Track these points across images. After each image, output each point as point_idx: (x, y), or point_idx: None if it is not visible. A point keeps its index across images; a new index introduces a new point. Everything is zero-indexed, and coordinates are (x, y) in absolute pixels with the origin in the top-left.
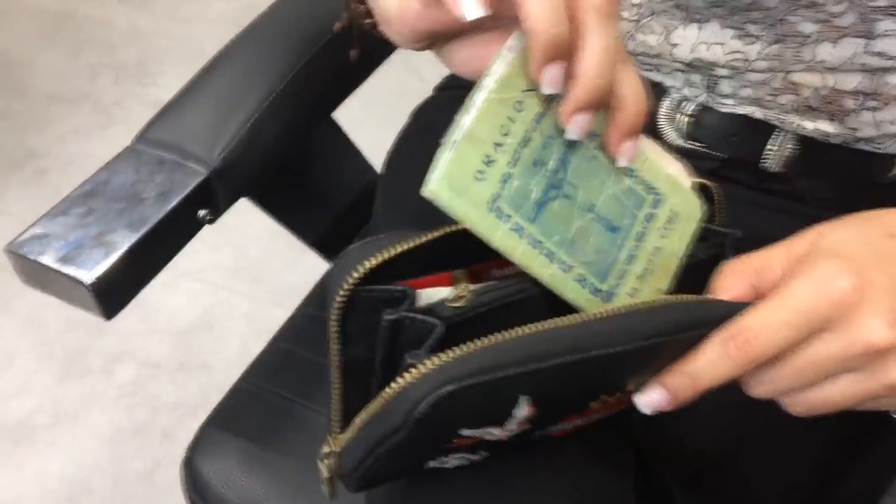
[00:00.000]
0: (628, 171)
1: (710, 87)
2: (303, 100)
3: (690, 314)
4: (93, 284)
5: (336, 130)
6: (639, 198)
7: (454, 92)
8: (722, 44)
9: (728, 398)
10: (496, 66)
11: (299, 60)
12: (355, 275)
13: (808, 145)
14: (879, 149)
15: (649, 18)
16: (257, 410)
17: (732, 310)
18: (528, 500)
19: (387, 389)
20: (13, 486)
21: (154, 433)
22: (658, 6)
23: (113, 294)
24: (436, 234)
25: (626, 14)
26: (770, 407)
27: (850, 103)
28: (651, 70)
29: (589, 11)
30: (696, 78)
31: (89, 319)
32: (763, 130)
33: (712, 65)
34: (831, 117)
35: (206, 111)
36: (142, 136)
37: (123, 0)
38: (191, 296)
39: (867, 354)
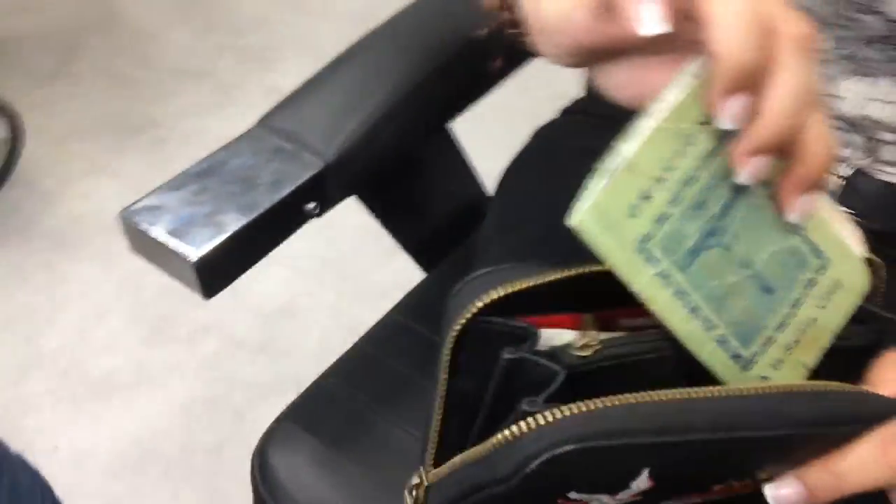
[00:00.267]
0: (797, 229)
1: (871, 151)
2: (425, 105)
3: (849, 406)
4: (198, 262)
5: (450, 141)
6: (803, 260)
7: (583, 118)
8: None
9: None
10: (671, 91)
11: (428, 65)
12: (479, 304)
13: None
14: None
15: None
16: (335, 412)
17: (893, 409)
18: None
19: (498, 436)
20: (87, 438)
21: (226, 410)
22: (825, 55)
23: (215, 274)
24: (570, 272)
25: None
26: None
27: None
28: None
29: (786, 43)
30: (857, 139)
31: (183, 289)
32: None
33: (878, 125)
34: None
35: (329, 104)
36: (264, 122)
37: None
38: (280, 281)
39: None
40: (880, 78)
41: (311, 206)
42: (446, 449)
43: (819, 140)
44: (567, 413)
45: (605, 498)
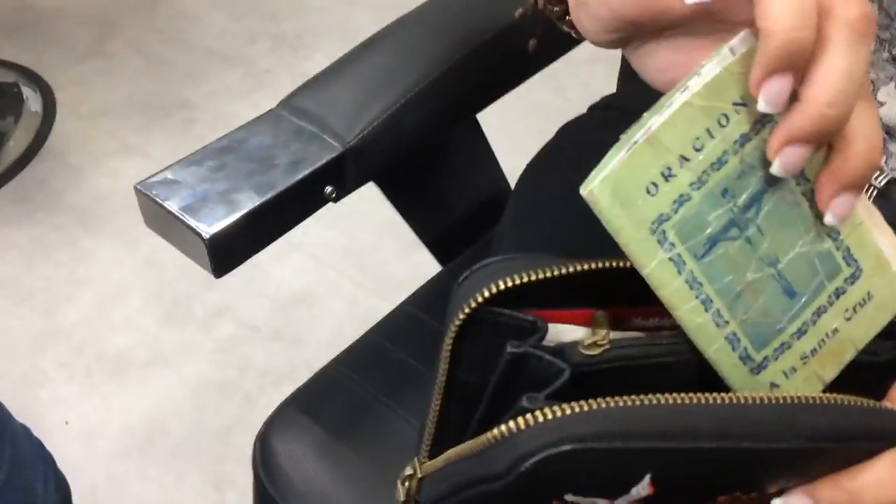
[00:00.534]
0: (832, 233)
1: None
2: (452, 94)
3: (867, 422)
4: (210, 239)
5: (478, 132)
6: (835, 267)
7: (611, 113)
8: None
9: None
10: (709, 66)
11: (457, 53)
12: (486, 293)
13: None
14: None
15: None
16: (340, 401)
17: None
18: None
19: (495, 430)
20: (98, 414)
21: (237, 394)
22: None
23: (227, 253)
24: (582, 267)
25: None
26: None
27: None
28: None
29: (840, 24)
30: (895, 148)
31: (201, 271)
32: None
33: None
34: None
35: (353, 88)
36: (286, 103)
37: None
38: (298, 268)
39: None
40: None
41: (329, 189)
42: (443, 441)
43: (866, 136)
44: (567, 411)
45: (603, 502)
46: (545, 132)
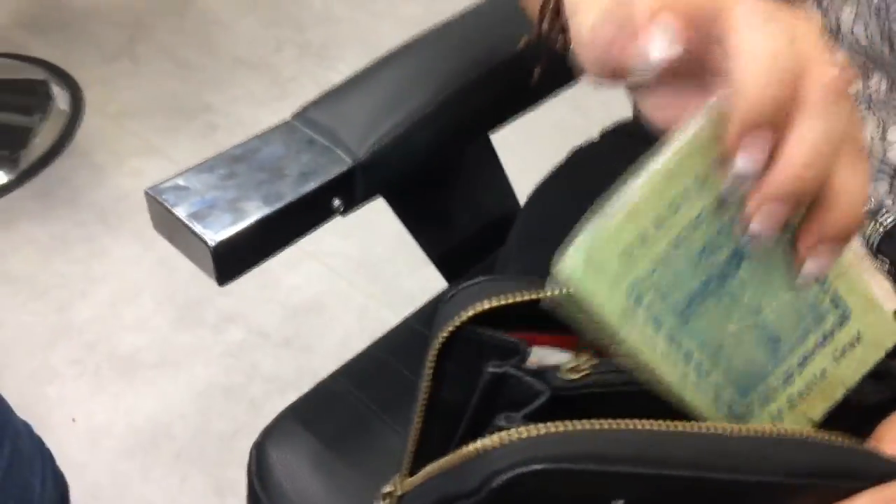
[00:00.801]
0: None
1: None
2: (465, 113)
3: (846, 460)
4: (215, 246)
5: (490, 151)
6: (821, 313)
7: (621, 139)
8: None
9: None
10: (687, 128)
11: (472, 73)
12: (470, 312)
13: None
14: None
15: (865, 111)
16: (338, 413)
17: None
18: None
19: (469, 447)
20: (106, 413)
21: (243, 399)
22: (879, 96)
23: (231, 261)
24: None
25: None
26: None
27: None
28: None
29: (817, 85)
30: None
31: None
32: None
33: None
34: None
35: (367, 103)
36: (300, 114)
37: None
38: (311, 276)
39: None
40: None
41: (337, 202)
42: (425, 459)
43: (850, 192)
44: (542, 431)
45: None
46: (562, 152)
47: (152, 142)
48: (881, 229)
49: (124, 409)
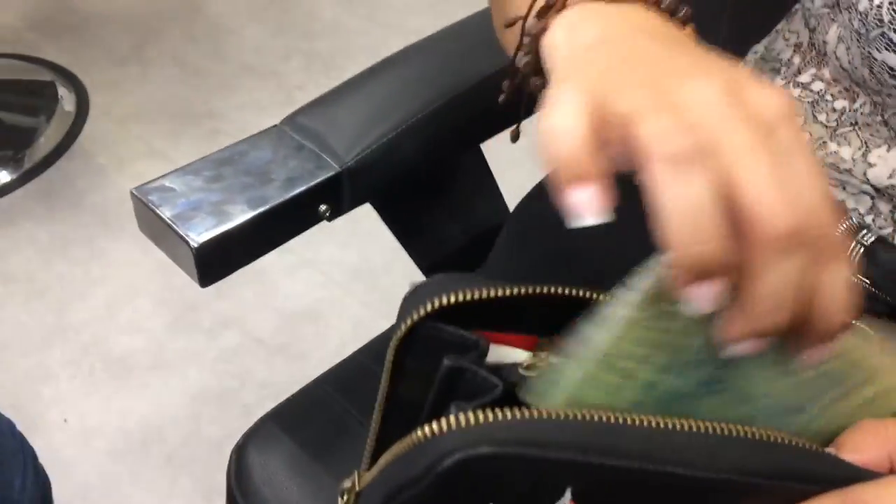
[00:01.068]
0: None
1: None
2: (456, 123)
3: (803, 464)
4: (197, 248)
5: (481, 162)
6: (837, 377)
7: None
8: None
9: None
10: (641, 279)
11: (463, 84)
12: (429, 307)
13: None
14: None
15: (849, 129)
16: (320, 419)
17: (854, 475)
18: None
19: (418, 432)
20: (97, 415)
21: (235, 405)
22: (864, 118)
23: (214, 263)
24: (533, 289)
25: (822, 118)
26: None
27: None
28: (836, 186)
29: (762, 241)
30: (883, 207)
31: None
32: None
33: None
34: None
35: (357, 110)
36: (290, 119)
37: None
38: (308, 284)
39: None
40: None
41: (323, 208)
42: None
43: (834, 300)
44: (490, 418)
45: None
46: None
47: (155, 146)
48: (861, 248)
49: (117, 410)
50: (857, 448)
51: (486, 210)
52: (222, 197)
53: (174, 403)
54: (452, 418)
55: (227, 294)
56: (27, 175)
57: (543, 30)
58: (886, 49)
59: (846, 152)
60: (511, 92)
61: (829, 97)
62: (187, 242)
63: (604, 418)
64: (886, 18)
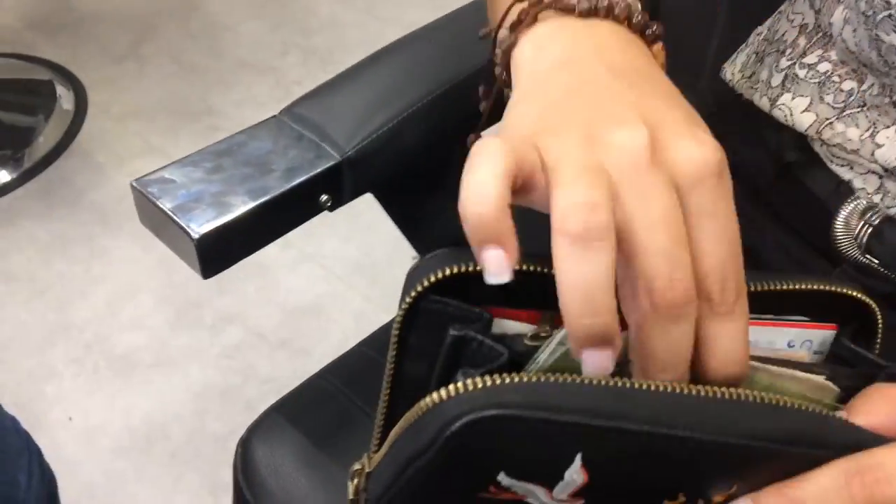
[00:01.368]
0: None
1: None
2: (455, 112)
3: (815, 428)
4: (199, 240)
5: None
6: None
7: None
8: None
9: None
10: (543, 355)
11: (462, 72)
12: (432, 278)
13: None
14: None
15: (857, 110)
16: (326, 410)
17: (866, 439)
18: None
19: (426, 399)
20: (101, 412)
21: (239, 401)
22: (872, 99)
23: (216, 254)
24: (535, 266)
25: (829, 99)
26: None
27: None
28: (843, 166)
29: (649, 308)
30: (891, 186)
31: (213, 276)
32: None
33: None
34: None
35: (357, 99)
36: (289, 109)
37: None
38: (310, 279)
39: None
40: None
41: (324, 198)
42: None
43: (725, 351)
44: (497, 381)
45: (540, 493)
46: None
47: (154, 143)
48: (869, 228)
49: (120, 408)
50: (870, 411)
51: None
52: (223, 188)
53: (178, 400)
54: (460, 384)
55: (228, 290)
56: (27, 174)
57: (513, 45)
58: (894, 31)
59: (853, 133)
60: (492, 98)
61: (836, 78)
62: (188, 234)
63: (612, 383)
64: (893, 1)
